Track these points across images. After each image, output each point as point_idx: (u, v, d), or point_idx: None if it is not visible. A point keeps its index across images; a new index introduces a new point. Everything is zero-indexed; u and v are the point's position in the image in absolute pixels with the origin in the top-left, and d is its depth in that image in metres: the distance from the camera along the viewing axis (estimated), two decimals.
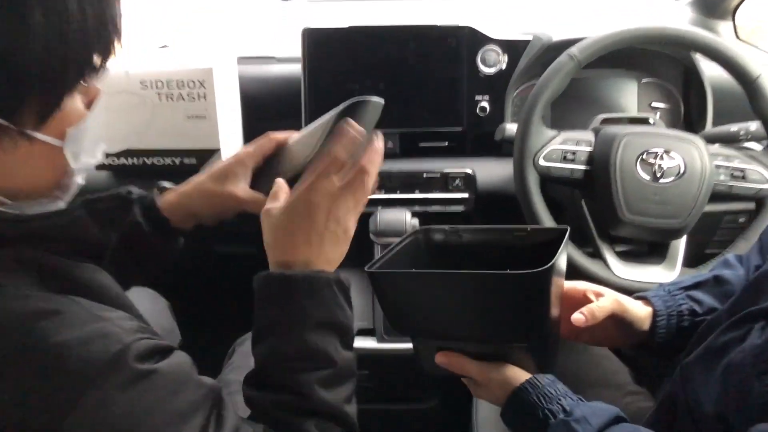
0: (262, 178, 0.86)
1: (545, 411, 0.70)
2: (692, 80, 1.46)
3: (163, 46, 1.38)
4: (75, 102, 0.60)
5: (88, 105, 0.63)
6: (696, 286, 0.93)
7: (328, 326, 0.67)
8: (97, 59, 0.58)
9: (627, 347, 0.94)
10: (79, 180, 0.65)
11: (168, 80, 1.27)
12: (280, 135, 0.87)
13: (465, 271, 0.70)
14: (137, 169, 1.33)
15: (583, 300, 0.88)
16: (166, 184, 0.90)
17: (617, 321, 0.89)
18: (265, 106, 1.49)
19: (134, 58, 1.29)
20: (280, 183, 0.74)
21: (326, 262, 0.69)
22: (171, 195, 0.87)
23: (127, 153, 1.32)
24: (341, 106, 0.75)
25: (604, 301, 0.87)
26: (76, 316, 0.53)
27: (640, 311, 0.90)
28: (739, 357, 0.65)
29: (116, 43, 0.59)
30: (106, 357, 0.52)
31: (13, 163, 0.57)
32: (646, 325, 0.90)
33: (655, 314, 0.89)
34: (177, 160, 1.32)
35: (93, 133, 0.64)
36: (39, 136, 0.57)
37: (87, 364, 0.51)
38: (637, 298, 0.93)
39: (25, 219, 0.59)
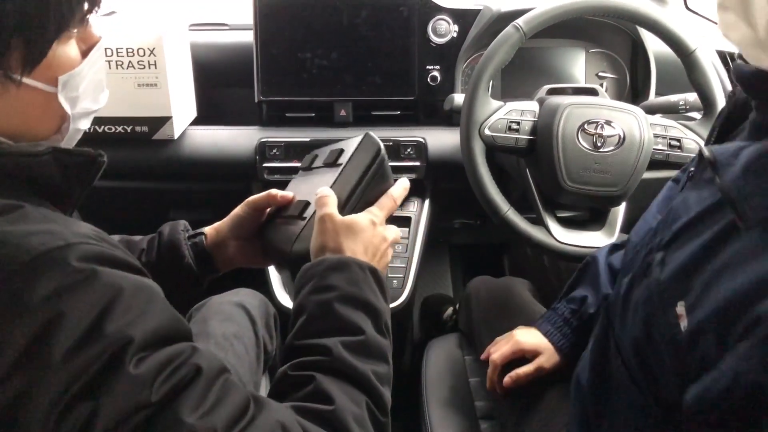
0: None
1: None
2: (639, 50, 1.49)
3: (110, 12, 1.35)
4: (67, 49, 0.61)
5: (87, 52, 0.64)
6: (570, 289, 1.05)
7: (356, 301, 0.69)
8: (85, 6, 0.59)
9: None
10: (81, 125, 0.67)
11: (117, 48, 1.26)
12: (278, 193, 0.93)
13: None
14: (88, 136, 1.30)
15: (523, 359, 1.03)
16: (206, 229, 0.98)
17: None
18: (217, 74, 1.49)
19: None
20: (326, 191, 0.80)
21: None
22: (212, 233, 0.97)
23: None
24: (357, 147, 0.86)
25: (526, 366, 1.01)
26: (28, 214, 0.53)
27: (544, 344, 1.02)
28: (645, 294, 0.68)
29: None
30: (42, 249, 0.50)
31: (5, 107, 0.57)
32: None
33: (547, 335, 1.02)
34: (128, 128, 1.32)
35: (92, 79, 0.65)
36: (27, 81, 0.57)
37: (20, 252, 0.49)
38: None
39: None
